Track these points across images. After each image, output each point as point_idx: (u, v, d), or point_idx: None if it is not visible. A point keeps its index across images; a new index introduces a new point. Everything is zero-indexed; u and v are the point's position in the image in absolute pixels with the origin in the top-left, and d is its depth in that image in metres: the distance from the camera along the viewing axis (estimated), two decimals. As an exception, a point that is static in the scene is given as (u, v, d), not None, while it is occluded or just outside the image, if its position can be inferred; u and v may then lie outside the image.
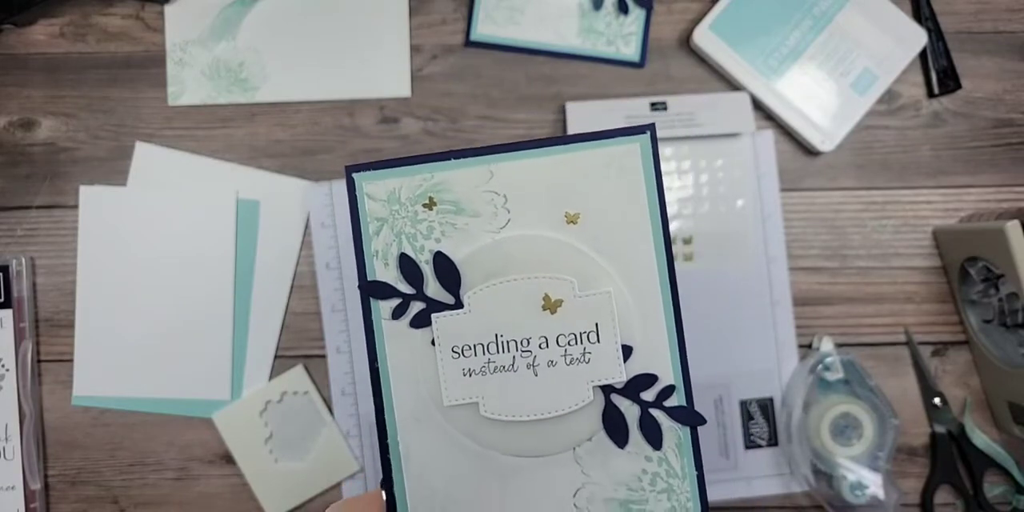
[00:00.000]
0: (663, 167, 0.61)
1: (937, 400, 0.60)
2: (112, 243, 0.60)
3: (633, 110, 0.60)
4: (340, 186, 0.61)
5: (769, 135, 0.61)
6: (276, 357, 0.61)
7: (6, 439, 0.59)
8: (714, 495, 0.60)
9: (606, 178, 0.36)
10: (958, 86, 0.62)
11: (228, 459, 0.60)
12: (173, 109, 0.62)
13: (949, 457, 0.60)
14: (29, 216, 0.61)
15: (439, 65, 0.62)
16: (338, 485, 0.60)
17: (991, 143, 0.62)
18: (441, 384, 0.35)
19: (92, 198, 0.61)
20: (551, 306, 0.35)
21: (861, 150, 0.62)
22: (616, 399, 0.36)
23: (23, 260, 0.60)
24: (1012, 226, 0.52)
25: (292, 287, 0.61)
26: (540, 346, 0.35)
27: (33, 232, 0.61)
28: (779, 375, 0.61)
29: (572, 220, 0.36)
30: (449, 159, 0.36)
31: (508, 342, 0.35)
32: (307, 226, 0.61)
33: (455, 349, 0.35)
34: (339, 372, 0.60)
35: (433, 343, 0.36)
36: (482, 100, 0.62)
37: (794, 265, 0.61)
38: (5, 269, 0.60)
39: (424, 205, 0.36)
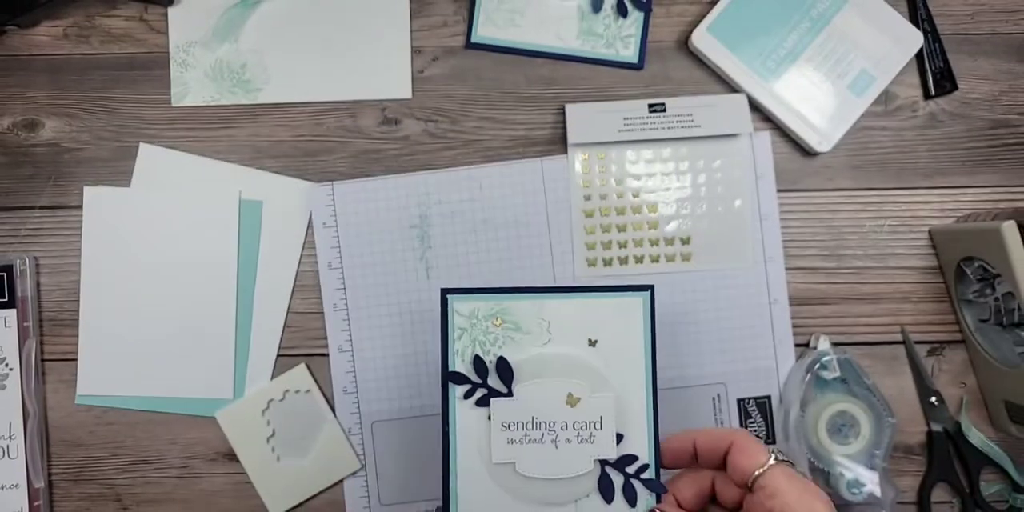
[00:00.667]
0: (662, 167, 0.61)
1: (933, 399, 0.61)
2: (116, 243, 0.61)
3: (632, 112, 0.60)
4: (342, 187, 0.61)
5: (767, 136, 0.62)
6: (278, 356, 0.61)
7: (10, 437, 0.60)
8: (712, 493, 0.61)
9: (618, 318, 0.50)
10: (954, 87, 0.62)
11: (231, 457, 0.61)
12: (176, 110, 0.62)
13: (946, 455, 0.60)
14: (33, 216, 0.62)
15: (440, 67, 0.63)
16: (340, 483, 0.60)
17: (987, 144, 0.63)
18: (492, 447, 0.49)
19: (96, 199, 0.61)
20: (572, 401, 0.49)
21: (858, 151, 0.62)
22: (608, 470, 0.49)
23: (27, 260, 0.61)
24: (1008, 226, 0.53)
25: (294, 287, 0.61)
26: (561, 428, 0.49)
27: (37, 232, 0.62)
28: (776, 374, 0.61)
29: (592, 344, 0.50)
30: (514, 293, 0.50)
31: (540, 423, 0.49)
32: (309, 226, 0.61)
33: (503, 424, 0.49)
34: (341, 371, 0.61)
35: (489, 418, 0.49)
36: (482, 102, 0.62)
37: (791, 265, 0.62)
38: (9, 269, 0.60)
39: (495, 322, 0.50)
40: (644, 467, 0.49)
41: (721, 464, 0.45)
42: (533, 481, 0.49)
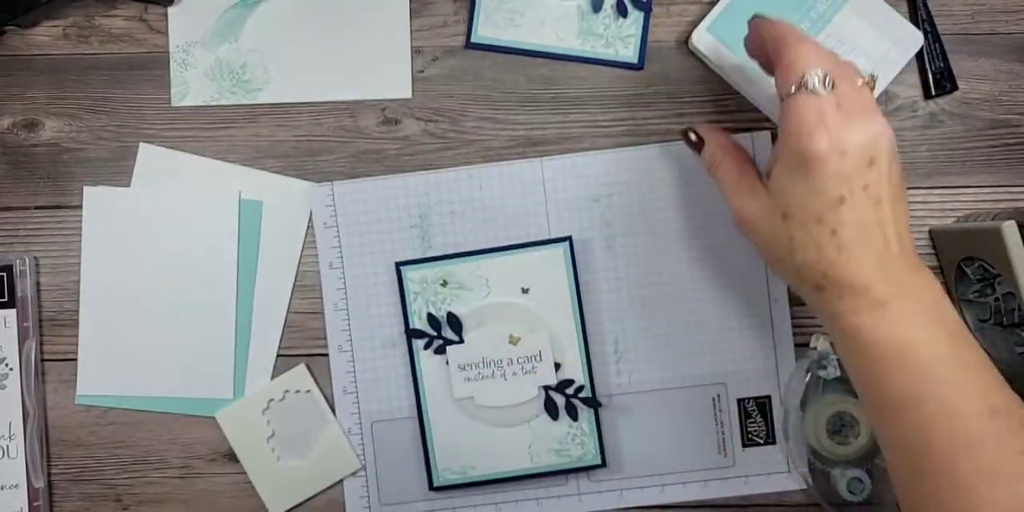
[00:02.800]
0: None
1: (934, 399, 0.61)
2: (116, 243, 0.61)
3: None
4: (342, 187, 0.61)
5: (767, 136, 0.62)
6: (278, 356, 0.61)
7: (9, 437, 0.60)
8: (712, 493, 0.61)
9: (544, 267, 0.60)
10: (954, 87, 0.62)
11: (230, 457, 0.61)
12: (176, 110, 0.62)
13: (945, 455, 0.60)
14: (33, 216, 0.62)
15: (440, 67, 0.63)
16: (340, 483, 0.61)
17: (987, 144, 0.63)
18: (452, 386, 0.60)
19: (96, 199, 0.61)
20: (514, 341, 0.60)
21: (858, 151, 0.62)
22: (551, 393, 0.60)
23: (27, 260, 0.61)
24: (1008, 226, 0.53)
25: (294, 286, 0.61)
26: (507, 363, 0.59)
27: (37, 232, 0.62)
28: (776, 374, 0.61)
29: (525, 291, 0.60)
30: (455, 258, 0.60)
31: (490, 361, 0.59)
32: (310, 226, 0.62)
33: (459, 366, 0.60)
34: (341, 371, 0.61)
35: (447, 363, 0.60)
36: (483, 102, 0.62)
37: (792, 265, 0.62)
38: (9, 269, 0.60)
39: (441, 284, 0.60)
40: (580, 388, 0.60)
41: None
42: (491, 409, 0.59)
